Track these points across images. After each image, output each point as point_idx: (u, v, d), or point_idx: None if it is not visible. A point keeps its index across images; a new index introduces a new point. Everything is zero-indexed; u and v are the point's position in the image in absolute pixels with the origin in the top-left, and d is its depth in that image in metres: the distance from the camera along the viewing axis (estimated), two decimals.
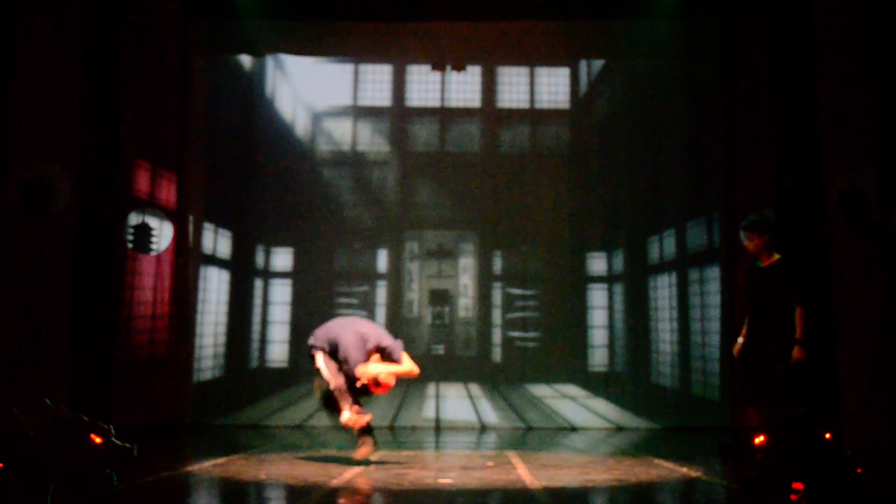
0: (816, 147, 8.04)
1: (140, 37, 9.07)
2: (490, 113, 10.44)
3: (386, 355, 6.14)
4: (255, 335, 10.11)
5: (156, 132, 9.21)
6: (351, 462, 6.07)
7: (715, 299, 9.47)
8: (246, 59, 10.42)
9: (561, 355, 10.08)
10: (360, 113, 10.48)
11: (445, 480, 5.38)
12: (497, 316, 10.17)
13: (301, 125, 10.52)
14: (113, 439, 4.33)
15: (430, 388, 9.95)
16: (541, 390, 9.99)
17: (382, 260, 10.36)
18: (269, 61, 10.41)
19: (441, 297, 10.25)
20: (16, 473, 4.01)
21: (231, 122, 10.20)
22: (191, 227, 9.65)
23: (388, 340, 6.18)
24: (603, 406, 9.78)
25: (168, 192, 9.34)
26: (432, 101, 10.43)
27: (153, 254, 9.12)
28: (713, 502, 5.02)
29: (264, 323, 10.16)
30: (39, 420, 4.24)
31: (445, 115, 10.44)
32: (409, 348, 6.45)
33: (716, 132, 9.60)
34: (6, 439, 4.16)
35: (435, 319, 10.20)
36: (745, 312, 6.52)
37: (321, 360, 6.13)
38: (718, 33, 9.66)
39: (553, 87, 10.53)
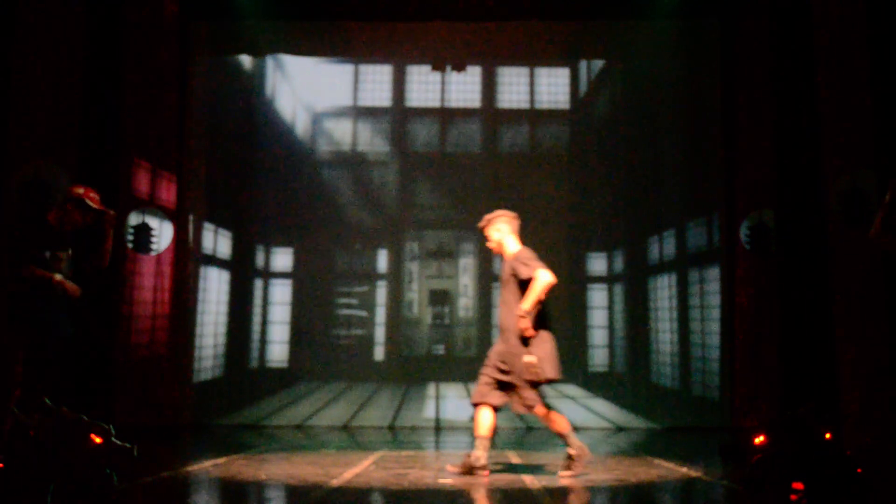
0: (816, 147, 8.03)
1: (140, 37, 9.06)
2: (490, 113, 10.43)
3: None
4: (255, 335, 10.11)
5: (156, 132, 9.21)
6: (351, 462, 6.06)
7: (715, 299, 9.47)
8: (246, 59, 10.42)
9: (561, 355, 10.06)
10: (360, 113, 10.48)
11: (445, 480, 5.38)
12: (497, 316, 10.14)
13: (301, 125, 10.52)
14: (113, 439, 4.33)
15: (430, 388, 9.94)
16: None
17: (382, 260, 10.35)
18: (269, 61, 10.42)
19: (441, 298, 10.24)
20: (16, 473, 4.01)
21: (231, 122, 10.20)
22: (191, 227, 9.64)
23: None
24: (603, 406, 9.77)
25: (168, 192, 9.34)
26: (432, 101, 10.43)
27: (153, 254, 9.12)
28: (713, 502, 5.02)
29: (264, 323, 10.16)
30: (39, 420, 4.24)
31: (445, 116, 10.44)
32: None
33: (716, 132, 9.59)
34: (6, 439, 4.16)
35: (435, 320, 10.19)
36: None
37: None
38: (718, 33, 9.65)
39: (553, 87, 10.52)
